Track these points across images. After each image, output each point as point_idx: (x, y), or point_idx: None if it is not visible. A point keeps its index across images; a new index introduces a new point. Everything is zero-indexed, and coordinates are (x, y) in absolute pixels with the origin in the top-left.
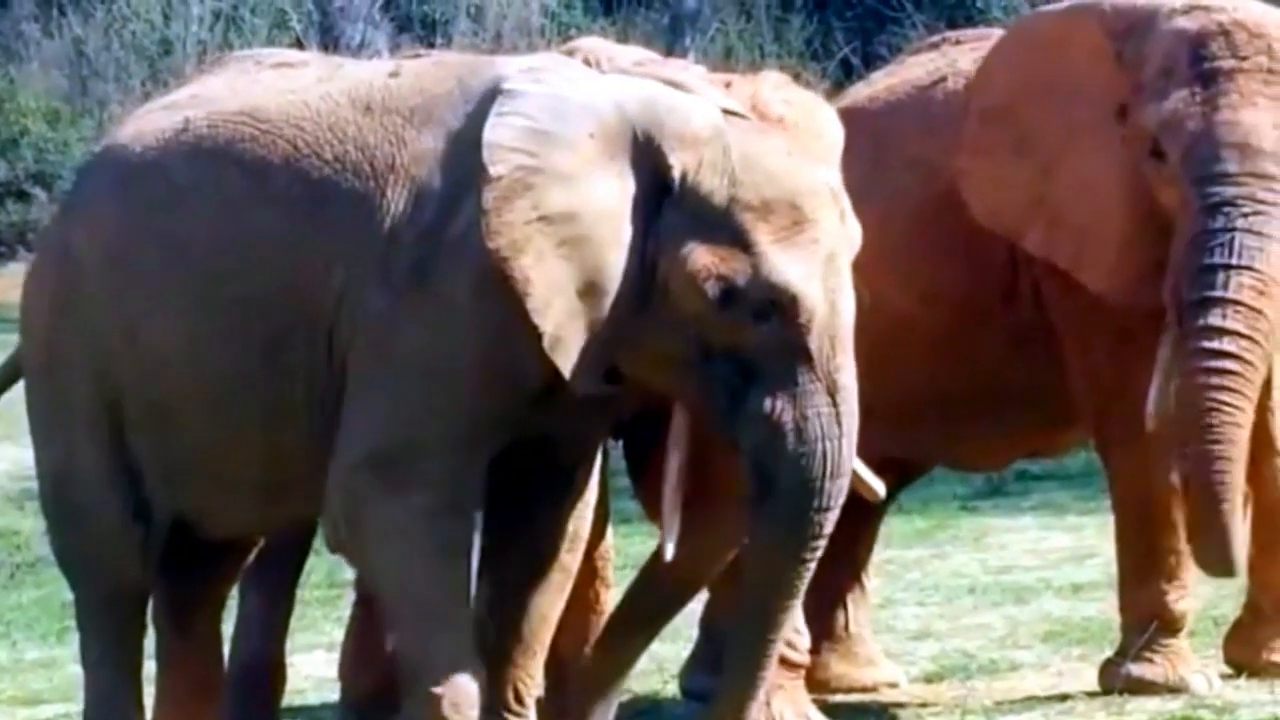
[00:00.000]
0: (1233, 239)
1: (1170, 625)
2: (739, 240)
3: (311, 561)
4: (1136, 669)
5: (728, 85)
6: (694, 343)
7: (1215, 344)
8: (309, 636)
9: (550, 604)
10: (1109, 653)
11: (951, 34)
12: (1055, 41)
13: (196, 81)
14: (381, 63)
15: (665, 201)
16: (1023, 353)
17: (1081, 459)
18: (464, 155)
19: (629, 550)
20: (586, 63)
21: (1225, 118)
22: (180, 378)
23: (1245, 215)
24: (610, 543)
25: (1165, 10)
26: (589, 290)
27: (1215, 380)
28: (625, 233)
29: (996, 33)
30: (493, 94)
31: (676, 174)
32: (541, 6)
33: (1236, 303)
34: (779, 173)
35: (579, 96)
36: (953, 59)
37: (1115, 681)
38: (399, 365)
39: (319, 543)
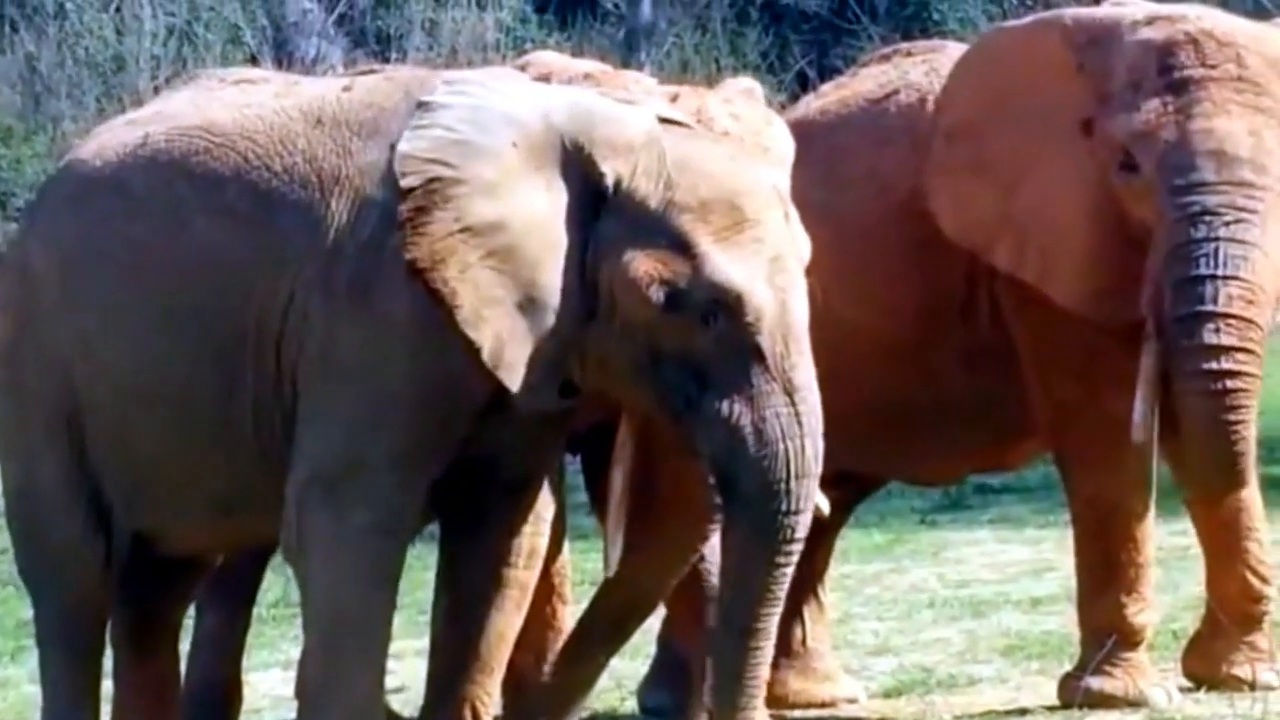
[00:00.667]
0: (1217, 249)
1: (1129, 638)
2: (679, 243)
3: (268, 579)
4: (1096, 683)
5: (674, 98)
6: (645, 349)
7: (1215, 364)
8: (265, 654)
9: (507, 621)
10: (1068, 667)
11: (902, 46)
12: (1017, 57)
13: (161, 99)
14: (339, 78)
15: (602, 210)
16: (979, 367)
17: (1040, 472)
18: None
19: (586, 566)
20: (544, 78)
21: (1199, 126)
22: (134, 391)
23: (1227, 224)
24: (567, 559)
25: (1128, 22)
26: (526, 302)
27: (1222, 401)
28: (559, 242)
29: (948, 45)
30: None
31: (610, 181)
32: (496, 21)
33: (1228, 316)
34: (716, 174)
35: (500, 107)
36: (904, 71)
37: (1074, 696)
38: (341, 379)
39: (276, 559)
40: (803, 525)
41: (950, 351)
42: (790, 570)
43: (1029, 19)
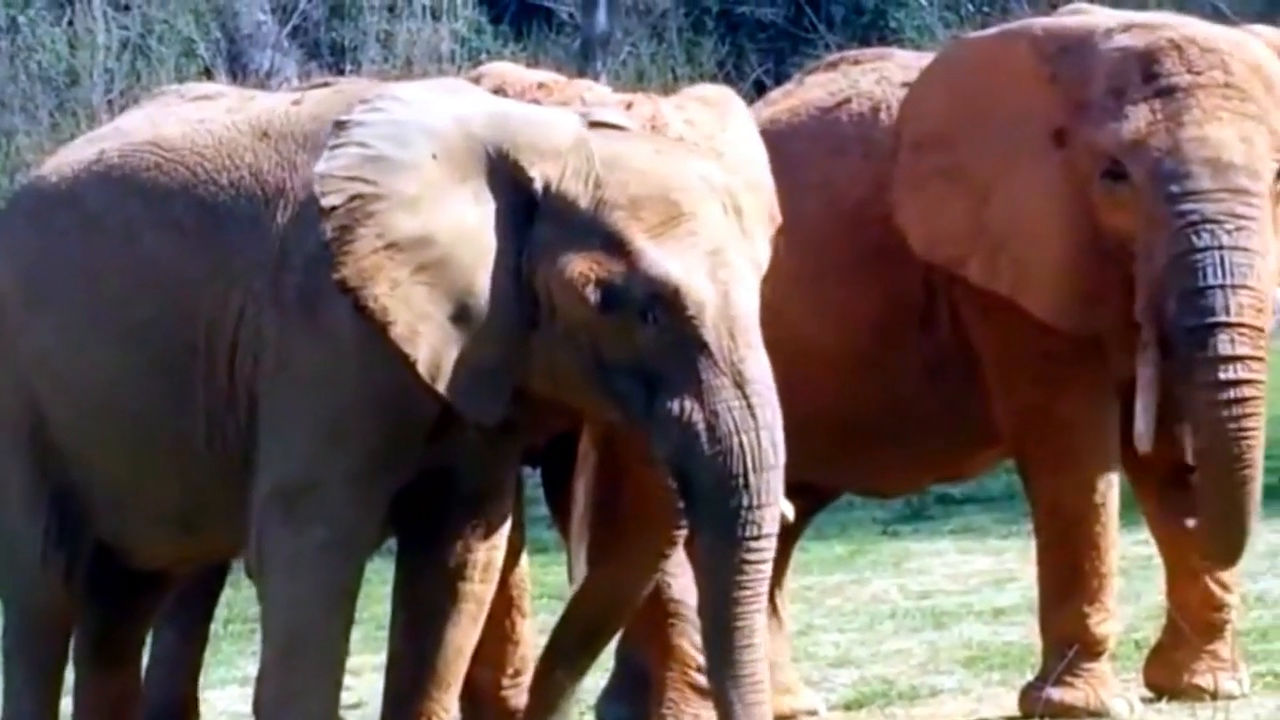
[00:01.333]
0: (1222, 258)
1: (1091, 648)
2: (612, 241)
3: (226, 595)
4: (1057, 693)
5: (629, 105)
6: (590, 353)
7: (1231, 374)
8: (223, 671)
9: (465, 635)
10: (1030, 677)
11: (849, 54)
12: (986, 67)
13: (123, 115)
14: (292, 92)
15: (534, 215)
16: (938, 376)
17: (1003, 482)
18: None
19: (546, 580)
20: (499, 89)
21: (1192, 134)
22: (92, 406)
23: (1229, 231)
24: (526, 572)
25: (1101, 30)
26: (461, 314)
27: (1238, 410)
28: (490, 251)
29: (896, 53)
30: None
31: (539, 186)
32: (451, 32)
33: (1240, 325)
34: (646, 170)
35: (417, 120)
36: (854, 79)
37: (1036, 706)
38: (298, 393)
39: (233, 575)
40: (769, 520)
41: (909, 361)
42: (766, 566)
43: (996, 29)
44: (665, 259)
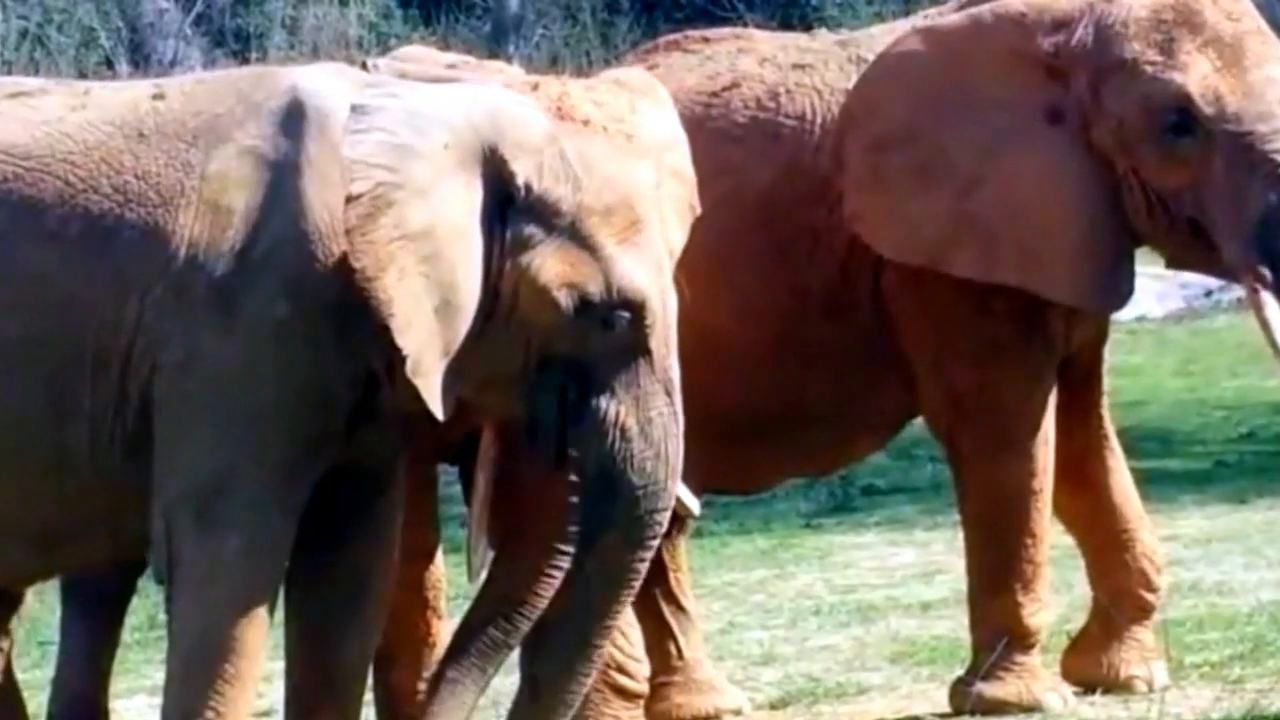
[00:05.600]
0: None
1: (1023, 640)
2: (587, 246)
3: (133, 602)
4: (988, 688)
5: (535, 86)
6: (534, 355)
7: None
8: (130, 680)
9: (368, 638)
10: (959, 672)
11: (692, 33)
12: (956, 56)
13: None
14: (137, 84)
15: (509, 211)
16: (837, 370)
17: (928, 472)
18: (265, 173)
19: (461, 580)
20: (403, 75)
21: (1257, 76)
22: None
23: None
24: (442, 572)
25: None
26: (444, 309)
27: None
28: (476, 247)
29: (754, 33)
30: (290, 108)
31: (520, 182)
32: (359, 17)
33: None
34: (615, 175)
35: (431, 108)
36: (730, 62)
37: (966, 702)
38: (208, 395)
39: (141, 580)
40: (665, 523)
41: (808, 354)
42: (645, 570)
43: (956, 16)
44: (634, 269)
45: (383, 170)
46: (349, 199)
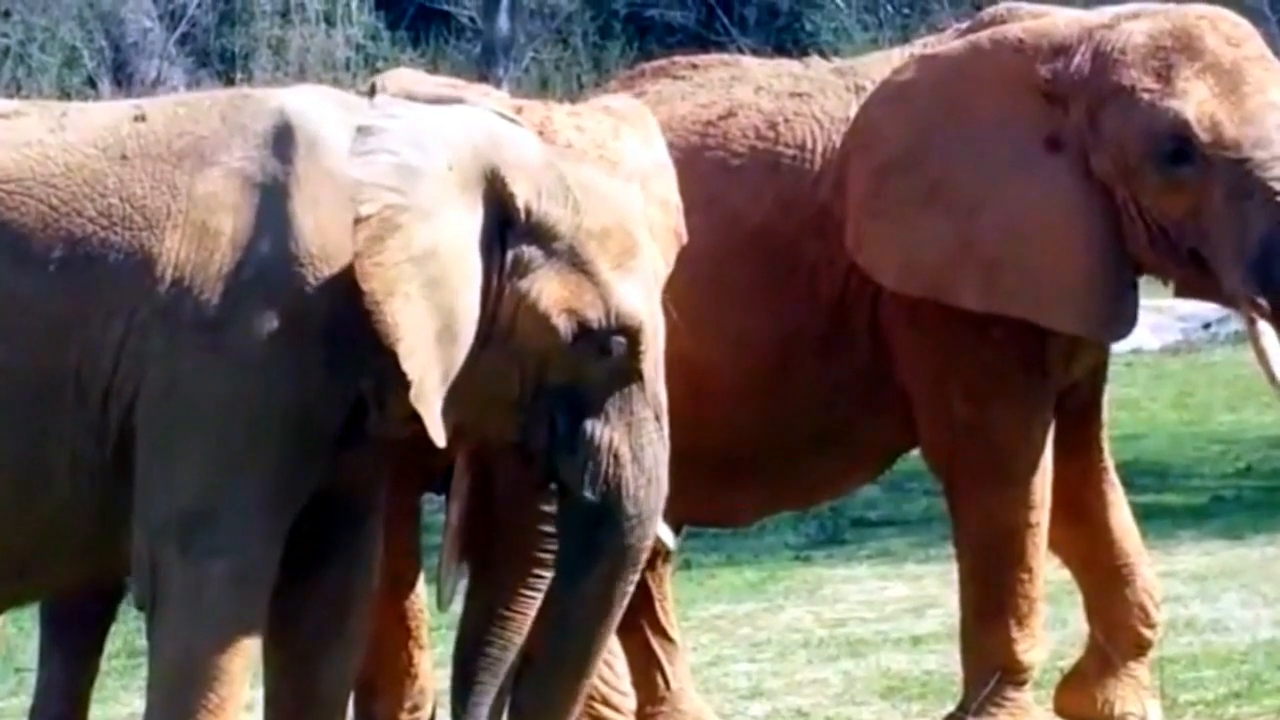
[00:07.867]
0: None
1: (1015, 675)
2: (585, 270)
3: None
4: None
5: (519, 110)
6: (529, 380)
7: None
8: (107, 708)
9: (348, 668)
10: (950, 708)
11: (679, 60)
12: (957, 81)
13: None
14: (116, 105)
15: (509, 234)
16: (829, 404)
17: (920, 505)
18: (253, 196)
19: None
20: (410, 96)
21: (1258, 102)
22: None
23: None
24: (424, 603)
25: (1099, 25)
26: (444, 334)
27: None
28: (477, 271)
29: (741, 59)
30: (278, 130)
31: (520, 204)
32: (347, 38)
33: None
34: (611, 199)
35: (434, 128)
36: (725, 90)
37: None
38: (193, 419)
39: (120, 605)
40: (650, 547)
41: (800, 389)
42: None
43: (957, 43)
44: (631, 295)
45: (390, 192)
46: (357, 220)
